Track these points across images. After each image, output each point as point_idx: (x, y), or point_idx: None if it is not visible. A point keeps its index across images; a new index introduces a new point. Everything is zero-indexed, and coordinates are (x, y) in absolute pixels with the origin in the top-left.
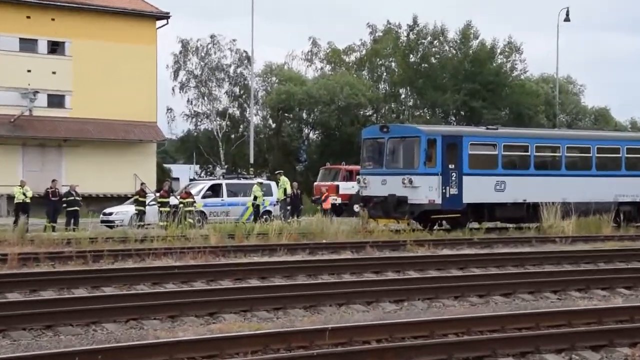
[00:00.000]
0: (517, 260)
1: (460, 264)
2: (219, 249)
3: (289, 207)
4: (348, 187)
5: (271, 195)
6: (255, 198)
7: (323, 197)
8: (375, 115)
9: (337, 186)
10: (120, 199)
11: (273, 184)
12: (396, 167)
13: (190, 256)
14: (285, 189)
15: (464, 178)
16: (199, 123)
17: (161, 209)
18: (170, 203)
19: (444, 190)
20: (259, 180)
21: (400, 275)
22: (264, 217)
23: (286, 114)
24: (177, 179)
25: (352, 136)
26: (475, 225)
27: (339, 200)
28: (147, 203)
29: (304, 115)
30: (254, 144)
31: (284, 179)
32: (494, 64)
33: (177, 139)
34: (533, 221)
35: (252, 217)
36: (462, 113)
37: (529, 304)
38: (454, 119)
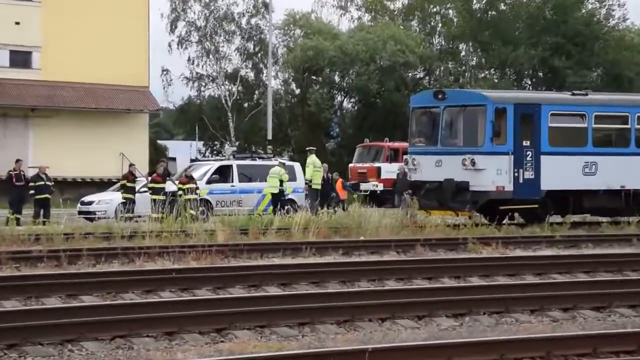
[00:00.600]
0: (613, 264)
1: (538, 269)
2: (228, 247)
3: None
4: (392, 170)
5: (295, 180)
6: (281, 182)
7: (338, 183)
8: (427, 78)
9: (379, 169)
10: (103, 185)
11: (297, 165)
12: (455, 145)
13: (192, 257)
14: (316, 173)
15: (543, 158)
16: (202, 88)
17: (154, 197)
18: (166, 190)
19: (516, 174)
20: (281, 160)
21: (460, 282)
22: (286, 207)
23: (313, 77)
24: (174, 159)
25: (398, 105)
26: (557, 218)
27: (380, 187)
28: (136, 189)
29: (336, 79)
30: (273, 115)
31: (315, 160)
32: (584, 11)
33: (175, 108)
34: (633, 214)
35: (270, 207)
36: (541, 74)
37: (629, 320)
38: (529, 82)
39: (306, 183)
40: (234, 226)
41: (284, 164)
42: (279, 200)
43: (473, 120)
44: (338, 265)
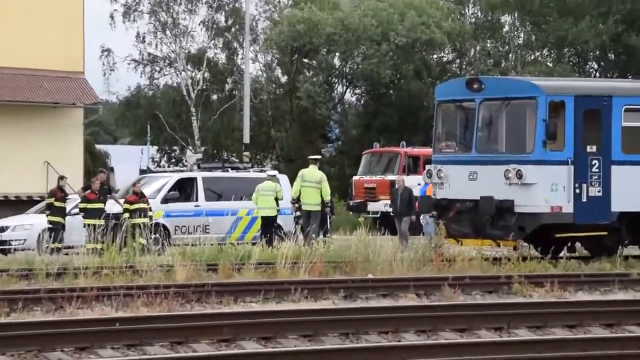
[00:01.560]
0: None
1: (608, 318)
2: (191, 289)
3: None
4: (412, 185)
5: (280, 198)
6: (276, 201)
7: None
8: (458, 61)
9: (392, 183)
10: (21, 205)
11: (284, 178)
12: (495, 151)
13: (142, 302)
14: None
15: (614, 169)
16: (156, 75)
17: (90, 221)
18: (107, 211)
19: (577, 191)
20: (270, 172)
21: (503, 336)
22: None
23: (305, 60)
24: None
25: (419, 98)
26: (632, 250)
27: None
28: (67, 211)
29: (336, 62)
30: (251, 110)
31: (318, 175)
32: None
33: (119, 101)
34: None
35: (259, 235)
36: (611, 56)
37: None
38: (595, 66)
39: (293, 202)
40: (199, 260)
41: (274, 176)
42: (274, 225)
43: (519, 119)
44: (338, 313)
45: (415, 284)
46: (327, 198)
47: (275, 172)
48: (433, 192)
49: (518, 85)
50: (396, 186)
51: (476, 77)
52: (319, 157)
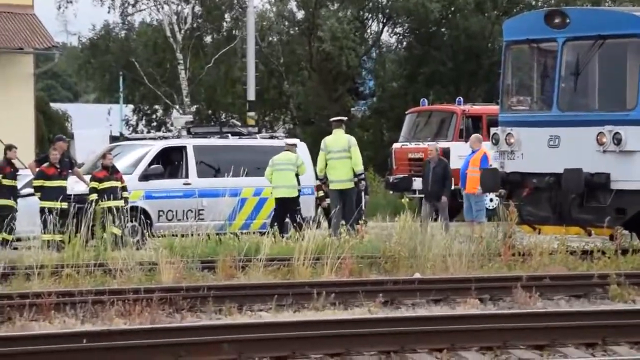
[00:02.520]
0: None
1: None
2: (180, 294)
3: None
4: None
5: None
6: (297, 177)
7: (317, 191)
8: None
9: (447, 152)
10: None
11: (303, 147)
12: (584, 108)
13: (116, 311)
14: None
15: None
16: (130, 9)
17: (47, 203)
18: (70, 191)
19: None
20: (290, 140)
21: (596, 355)
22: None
23: None
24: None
25: (480, 38)
26: None
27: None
28: (17, 191)
29: None
30: (257, 56)
31: (347, 139)
32: None
33: (81, 46)
34: None
35: (269, 221)
36: None
37: None
38: None
39: (320, 180)
40: (191, 256)
41: (294, 145)
42: (294, 210)
43: (618, 64)
44: (376, 324)
45: (478, 285)
46: (359, 168)
47: (296, 141)
48: (500, 164)
49: (615, 19)
50: (429, 157)
51: (558, 8)
52: (344, 118)
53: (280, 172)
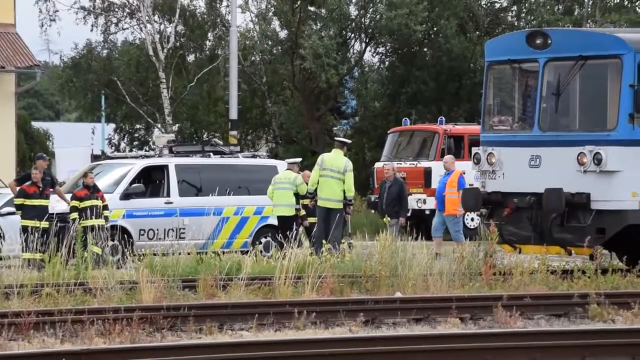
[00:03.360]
0: None
1: None
2: (161, 313)
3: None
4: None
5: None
6: (296, 198)
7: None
8: (515, 8)
9: (428, 172)
10: None
11: (282, 165)
12: (565, 128)
13: (96, 330)
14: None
15: None
16: (113, 28)
17: (27, 222)
18: (51, 210)
19: None
20: (291, 159)
21: None
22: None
23: (311, 8)
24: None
25: (462, 59)
26: None
27: (430, 204)
28: None
29: (352, 11)
30: (240, 75)
31: (346, 164)
32: None
33: (63, 64)
34: None
35: (250, 240)
36: None
37: None
38: None
39: (310, 194)
40: (172, 275)
41: (296, 164)
42: (290, 228)
43: (598, 84)
44: (356, 344)
45: (459, 304)
46: (350, 194)
47: (298, 160)
48: (482, 184)
49: (597, 40)
50: (385, 176)
51: (540, 29)
52: (347, 141)
53: (280, 191)
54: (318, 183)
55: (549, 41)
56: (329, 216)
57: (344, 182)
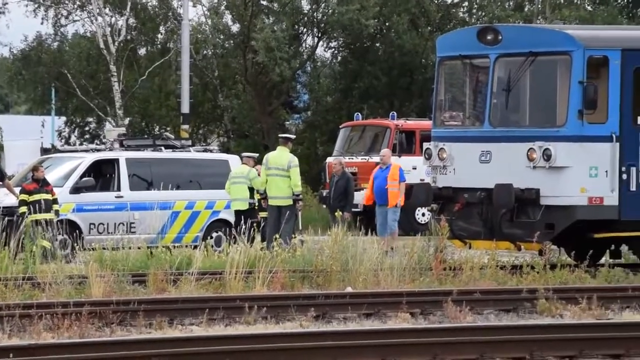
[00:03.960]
0: None
1: None
2: (111, 308)
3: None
4: (405, 170)
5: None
6: (251, 192)
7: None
8: (466, 4)
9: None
10: None
11: (234, 159)
12: (515, 124)
13: (45, 325)
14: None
15: None
16: (63, 21)
17: None
18: None
19: (625, 176)
20: (246, 153)
21: None
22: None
23: (264, 3)
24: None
25: (414, 54)
26: None
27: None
28: None
29: (305, 6)
30: (192, 69)
31: (290, 160)
32: None
33: (12, 57)
34: None
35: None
36: None
37: None
38: None
39: (261, 194)
40: (122, 269)
41: (252, 158)
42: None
43: (548, 81)
44: (307, 338)
45: (409, 299)
46: (297, 189)
47: (254, 155)
48: (433, 179)
49: (546, 36)
50: (334, 171)
51: (491, 24)
52: (291, 136)
53: (235, 186)
54: (267, 182)
55: (500, 37)
56: (280, 214)
57: (290, 179)
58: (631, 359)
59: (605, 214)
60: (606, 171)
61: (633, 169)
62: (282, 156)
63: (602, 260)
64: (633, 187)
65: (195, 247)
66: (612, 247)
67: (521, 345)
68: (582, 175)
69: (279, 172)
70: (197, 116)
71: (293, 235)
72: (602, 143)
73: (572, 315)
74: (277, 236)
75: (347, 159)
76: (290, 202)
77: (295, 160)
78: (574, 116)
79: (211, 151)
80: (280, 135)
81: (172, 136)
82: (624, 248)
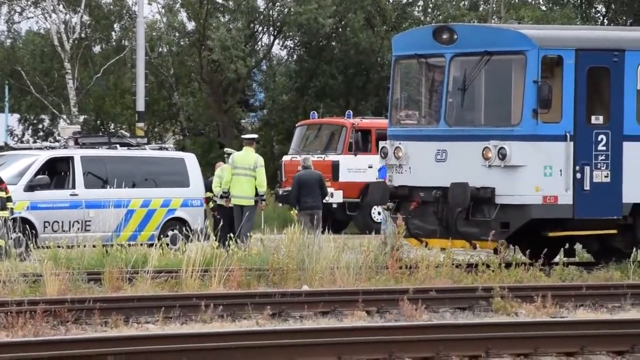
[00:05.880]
0: None
1: (617, 344)
2: (66, 306)
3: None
4: (361, 169)
5: (187, 184)
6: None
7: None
8: (422, 3)
9: (335, 165)
10: None
11: (191, 157)
12: (470, 123)
13: None
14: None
15: (627, 147)
16: (17, 18)
17: None
18: None
19: (579, 175)
20: (228, 149)
21: None
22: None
23: (220, 0)
24: None
25: (370, 53)
26: None
27: (338, 197)
28: None
29: (260, 4)
30: (147, 67)
31: (256, 160)
32: None
33: None
34: None
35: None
36: None
37: None
38: (604, 10)
39: (224, 193)
40: (77, 267)
41: (229, 155)
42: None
43: (503, 80)
44: (263, 337)
45: (366, 298)
46: (262, 189)
47: (232, 151)
48: (389, 178)
49: (501, 36)
50: (298, 168)
51: (446, 24)
52: (254, 136)
53: (241, 178)
54: (231, 182)
55: (455, 36)
56: (241, 213)
57: (255, 179)
58: (585, 356)
59: (559, 213)
60: (560, 170)
61: (587, 168)
62: (248, 156)
63: (557, 259)
64: (587, 186)
65: (151, 245)
66: (567, 245)
67: (477, 343)
68: (537, 174)
69: (246, 172)
70: (153, 114)
71: (249, 234)
72: (557, 142)
73: (527, 314)
74: (232, 235)
75: (300, 158)
76: (252, 202)
77: (261, 160)
78: (528, 115)
79: (167, 149)
80: (244, 136)
81: (128, 134)
82: (578, 247)
